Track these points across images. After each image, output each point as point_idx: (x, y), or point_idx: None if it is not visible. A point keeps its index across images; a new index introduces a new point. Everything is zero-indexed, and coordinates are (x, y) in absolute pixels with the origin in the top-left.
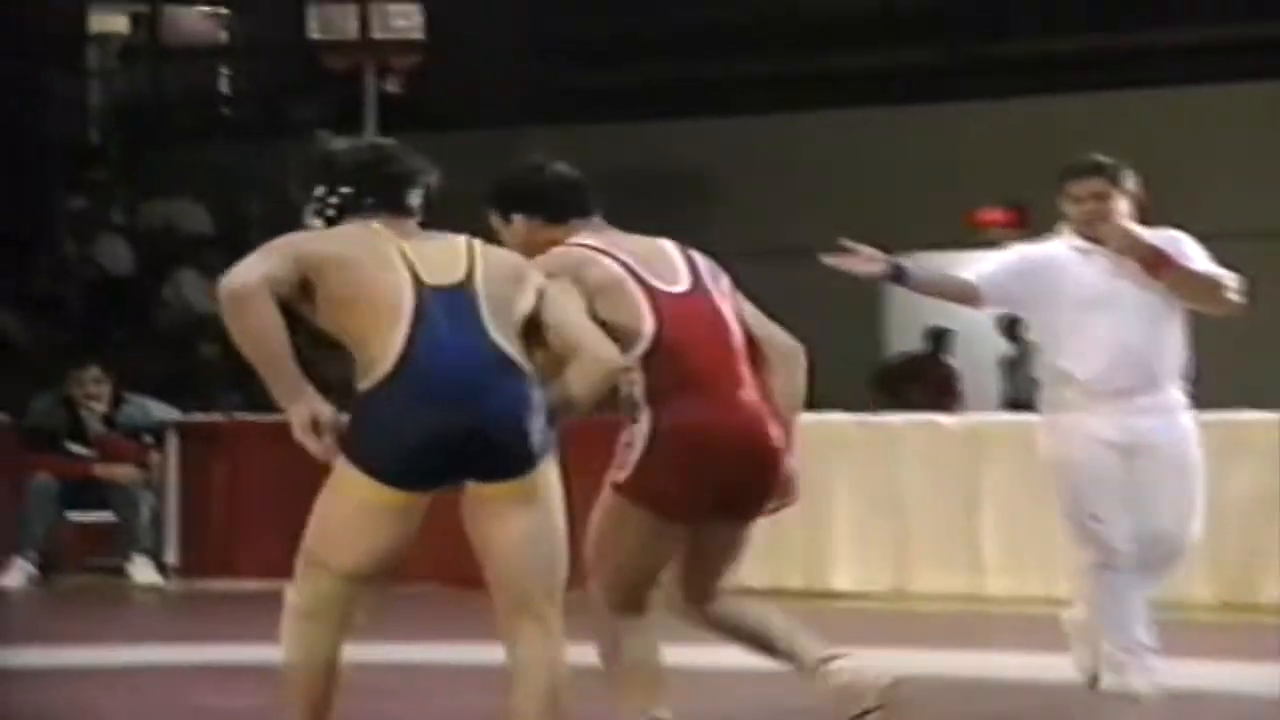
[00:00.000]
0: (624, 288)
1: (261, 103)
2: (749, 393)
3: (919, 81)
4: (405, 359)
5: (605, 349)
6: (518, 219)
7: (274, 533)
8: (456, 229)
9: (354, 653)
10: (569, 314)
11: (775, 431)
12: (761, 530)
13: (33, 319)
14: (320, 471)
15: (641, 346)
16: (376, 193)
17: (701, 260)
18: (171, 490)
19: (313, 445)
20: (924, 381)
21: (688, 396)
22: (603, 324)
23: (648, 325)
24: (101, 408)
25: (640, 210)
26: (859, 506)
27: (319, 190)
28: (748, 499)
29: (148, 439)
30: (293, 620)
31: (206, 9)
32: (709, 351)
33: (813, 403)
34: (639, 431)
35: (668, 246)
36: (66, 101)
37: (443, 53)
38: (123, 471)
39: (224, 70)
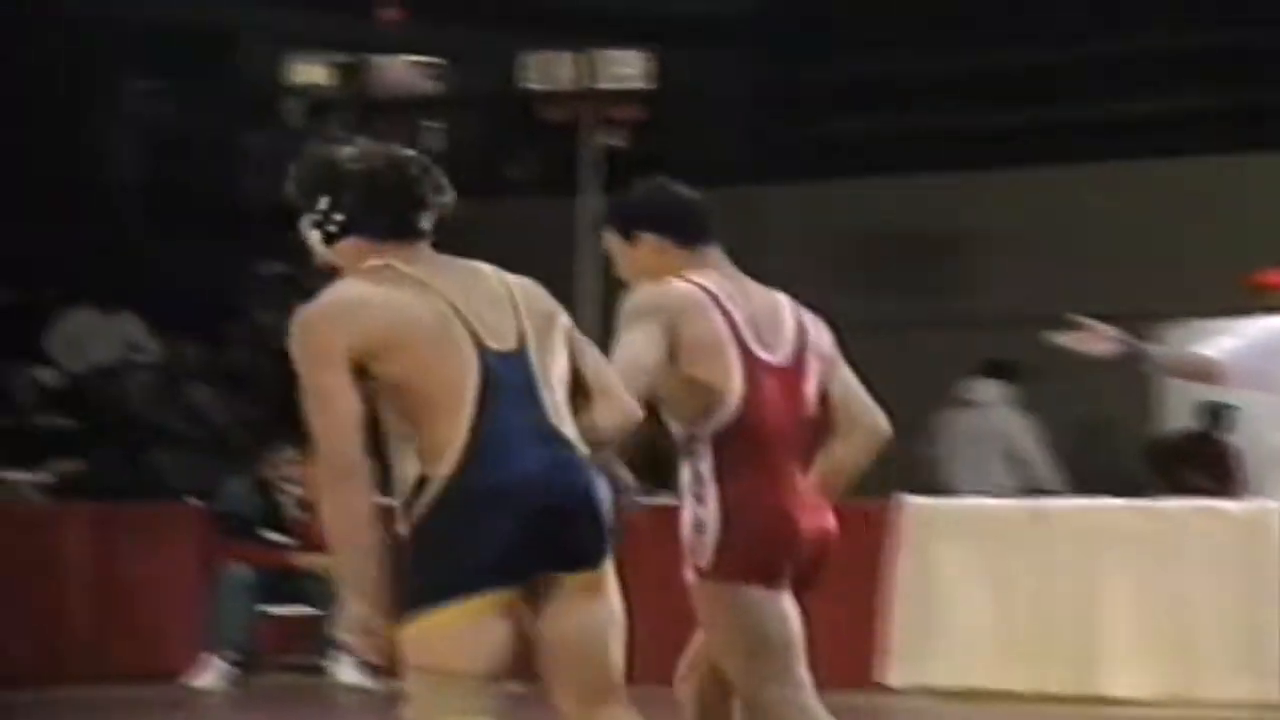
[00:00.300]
0: (723, 354)
1: (473, 158)
2: (806, 479)
3: (1199, 130)
4: (477, 444)
5: (629, 398)
6: (648, 238)
7: None
8: None
9: None
10: (600, 358)
11: (832, 519)
12: (1025, 629)
13: (227, 393)
14: None
15: (721, 419)
16: (389, 213)
17: (810, 321)
18: None
19: (359, 647)
20: (1198, 462)
21: (759, 478)
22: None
23: (735, 398)
24: (299, 491)
25: (891, 273)
26: (1134, 602)
27: (322, 202)
28: (802, 586)
29: None
30: None
31: (414, 59)
32: (785, 434)
33: (1083, 487)
34: (708, 513)
35: (781, 303)
36: (263, 160)
37: (671, 103)
38: (323, 562)
39: (432, 124)
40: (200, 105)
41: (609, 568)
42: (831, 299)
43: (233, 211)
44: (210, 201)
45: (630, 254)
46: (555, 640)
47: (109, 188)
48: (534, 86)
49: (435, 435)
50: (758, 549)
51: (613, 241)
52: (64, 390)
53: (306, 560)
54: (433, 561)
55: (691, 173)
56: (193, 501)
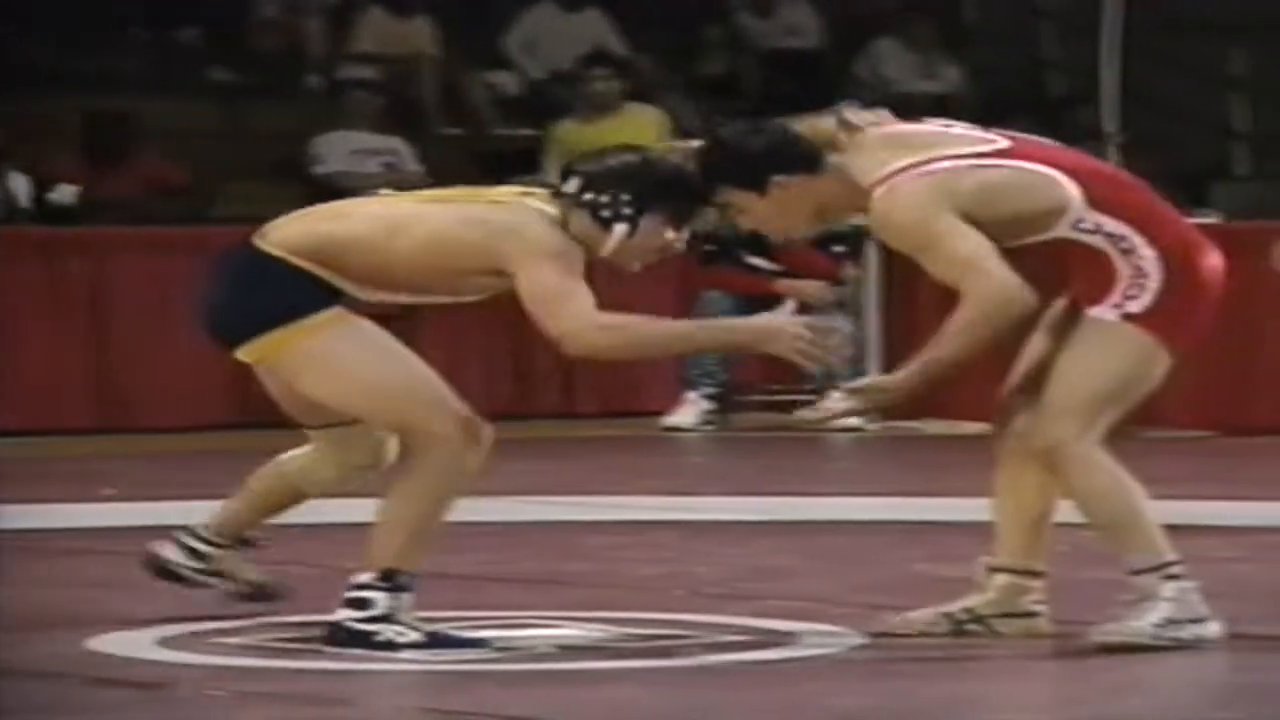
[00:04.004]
0: None
1: None
2: None
3: None
4: None
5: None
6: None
7: (998, 367)
8: None
9: None
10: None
11: None
12: None
13: (701, 102)
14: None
15: None
16: None
17: None
18: (871, 312)
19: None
20: None
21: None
22: None
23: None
24: None
25: None
26: None
27: None
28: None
29: (840, 249)
30: None
31: None
32: None
33: None
34: (1144, 259)
35: None
36: None
37: None
38: (811, 289)
39: None
40: None
41: (259, 352)
42: None
43: None
44: None
45: (768, 202)
46: None
47: None
48: None
49: None
50: (1202, 311)
51: (739, 200)
52: (522, 97)
53: (791, 287)
54: None
55: None
56: None
